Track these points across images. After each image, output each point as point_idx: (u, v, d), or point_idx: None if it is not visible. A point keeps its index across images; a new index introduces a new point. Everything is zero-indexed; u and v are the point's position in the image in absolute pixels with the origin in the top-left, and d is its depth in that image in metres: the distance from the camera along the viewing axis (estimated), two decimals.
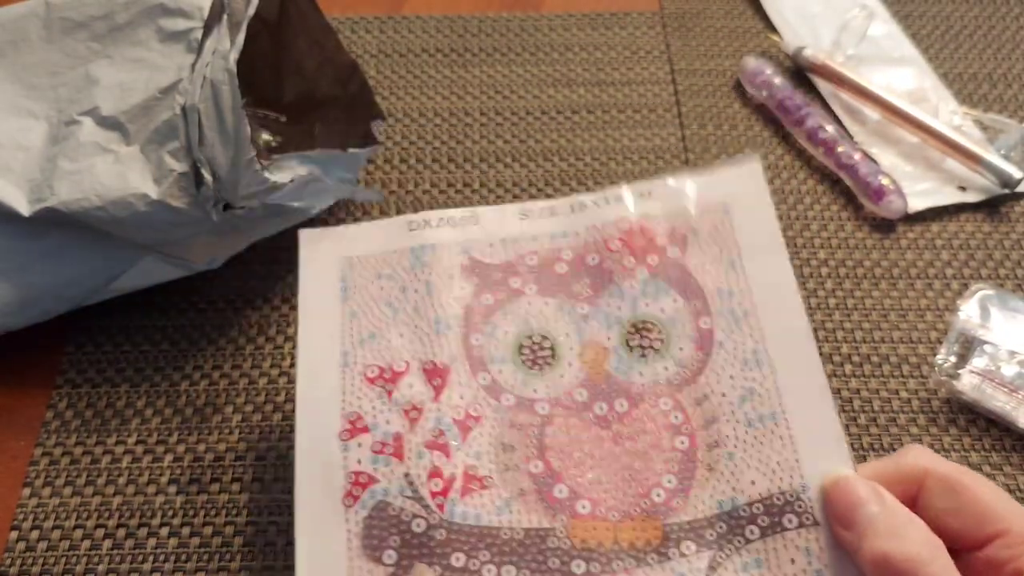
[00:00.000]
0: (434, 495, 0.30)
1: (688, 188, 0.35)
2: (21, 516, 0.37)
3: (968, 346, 0.40)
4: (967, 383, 0.39)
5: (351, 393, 0.32)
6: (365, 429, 0.31)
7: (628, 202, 0.35)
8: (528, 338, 0.33)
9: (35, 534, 0.36)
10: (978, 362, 0.39)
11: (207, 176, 0.35)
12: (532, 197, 0.48)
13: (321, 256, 0.35)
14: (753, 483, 0.30)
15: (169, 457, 0.39)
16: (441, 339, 0.33)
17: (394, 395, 0.32)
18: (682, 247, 0.34)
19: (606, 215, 0.35)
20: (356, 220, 0.47)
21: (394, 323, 0.33)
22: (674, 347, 0.33)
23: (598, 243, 0.35)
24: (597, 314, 0.34)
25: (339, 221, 0.47)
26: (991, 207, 0.48)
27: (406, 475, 0.30)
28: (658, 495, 0.30)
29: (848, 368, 0.42)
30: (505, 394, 0.32)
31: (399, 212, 0.47)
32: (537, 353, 0.33)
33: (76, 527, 0.37)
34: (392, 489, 0.30)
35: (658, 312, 0.33)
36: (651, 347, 0.33)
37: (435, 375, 0.32)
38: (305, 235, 0.35)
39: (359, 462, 0.30)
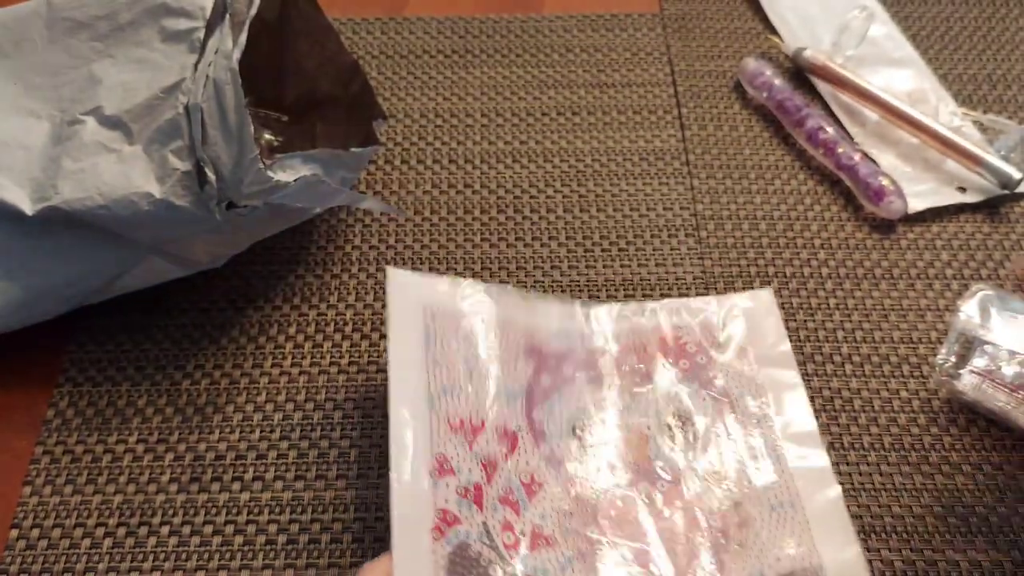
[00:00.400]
0: (507, 547, 0.33)
1: (712, 309, 0.42)
2: (22, 514, 0.37)
3: (968, 346, 0.40)
4: (967, 383, 0.39)
5: (438, 435, 0.35)
6: (452, 471, 0.34)
7: (662, 316, 0.41)
8: (580, 421, 0.38)
9: (36, 532, 0.36)
10: (978, 362, 0.40)
11: (210, 175, 0.35)
12: (532, 198, 0.48)
13: (407, 300, 0.38)
14: (779, 560, 0.35)
15: (170, 456, 0.39)
16: (510, 409, 0.37)
17: (474, 447, 0.35)
18: (708, 357, 0.40)
19: (644, 324, 0.41)
20: (359, 220, 0.47)
21: (469, 382, 0.37)
22: (705, 439, 0.38)
23: (637, 346, 0.40)
24: (637, 406, 0.39)
25: (340, 221, 0.47)
26: (991, 208, 0.48)
27: (484, 523, 0.33)
28: (701, 570, 0.34)
29: (848, 368, 0.42)
30: (563, 467, 0.36)
31: (401, 208, 0.47)
32: (587, 435, 0.37)
33: (77, 525, 0.37)
34: (473, 533, 0.33)
35: (690, 407, 0.39)
36: (685, 438, 0.38)
37: (505, 438, 0.36)
38: (392, 275, 0.38)
39: (447, 501, 0.33)
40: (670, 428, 0.38)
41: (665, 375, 0.39)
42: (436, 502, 0.33)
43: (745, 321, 0.41)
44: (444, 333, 0.37)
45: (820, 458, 0.37)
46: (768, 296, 0.42)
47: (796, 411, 0.39)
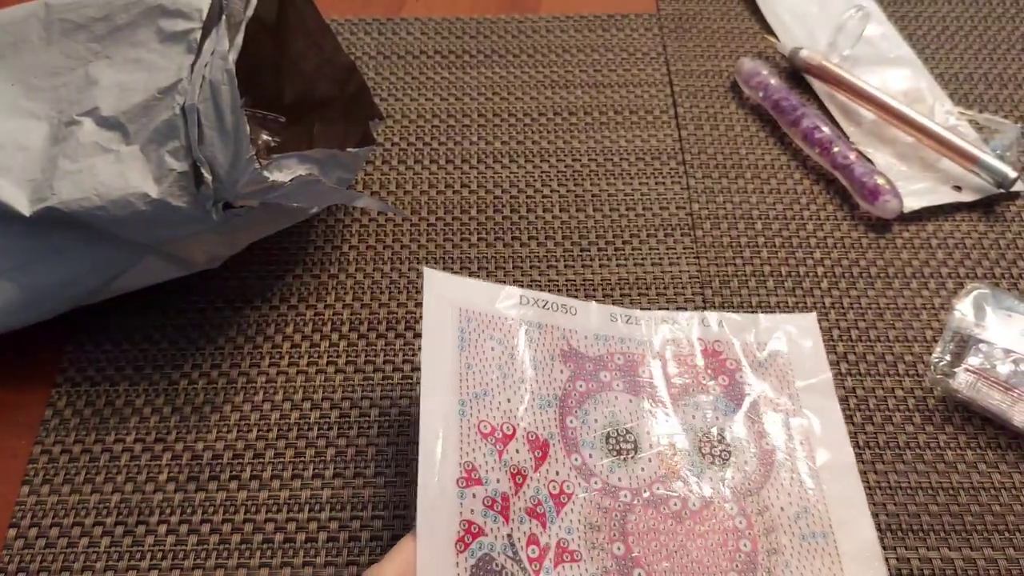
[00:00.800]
0: (531, 560, 0.33)
1: (754, 325, 0.41)
2: (19, 514, 0.37)
3: (963, 344, 0.40)
4: (962, 381, 0.40)
5: (467, 443, 0.34)
6: (479, 481, 0.33)
7: (704, 325, 0.41)
8: (615, 429, 0.37)
9: (33, 532, 0.37)
10: (973, 360, 0.40)
11: (207, 175, 0.35)
12: (529, 198, 0.48)
13: (442, 302, 0.37)
14: None
15: (168, 455, 0.39)
16: (543, 415, 0.36)
17: (504, 456, 0.34)
18: (749, 374, 0.39)
19: (686, 334, 0.40)
20: (356, 220, 0.47)
21: (503, 388, 0.36)
22: (740, 460, 0.37)
23: (678, 357, 0.40)
24: (674, 419, 0.38)
25: (337, 221, 0.47)
26: (986, 207, 0.48)
27: (509, 536, 0.33)
28: None
29: (844, 367, 0.42)
30: (594, 478, 0.36)
31: (398, 207, 0.47)
32: (621, 444, 0.37)
33: (74, 525, 0.37)
34: (497, 546, 0.32)
35: (727, 427, 0.38)
36: (720, 456, 0.37)
37: (536, 447, 0.35)
38: (429, 276, 0.37)
39: (472, 512, 0.33)
40: (705, 445, 0.37)
41: (704, 389, 0.39)
42: (462, 513, 0.32)
43: (787, 343, 0.40)
44: (479, 336, 0.37)
45: (856, 492, 0.36)
46: (811, 321, 0.41)
47: (834, 441, 0.38)
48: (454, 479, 0.33)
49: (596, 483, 0.35)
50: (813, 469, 0.37)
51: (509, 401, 0.36)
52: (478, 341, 0.37)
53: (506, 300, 0.38)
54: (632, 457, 0.36)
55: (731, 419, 0.38)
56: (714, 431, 0.37)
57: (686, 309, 0.44)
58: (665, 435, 0.37)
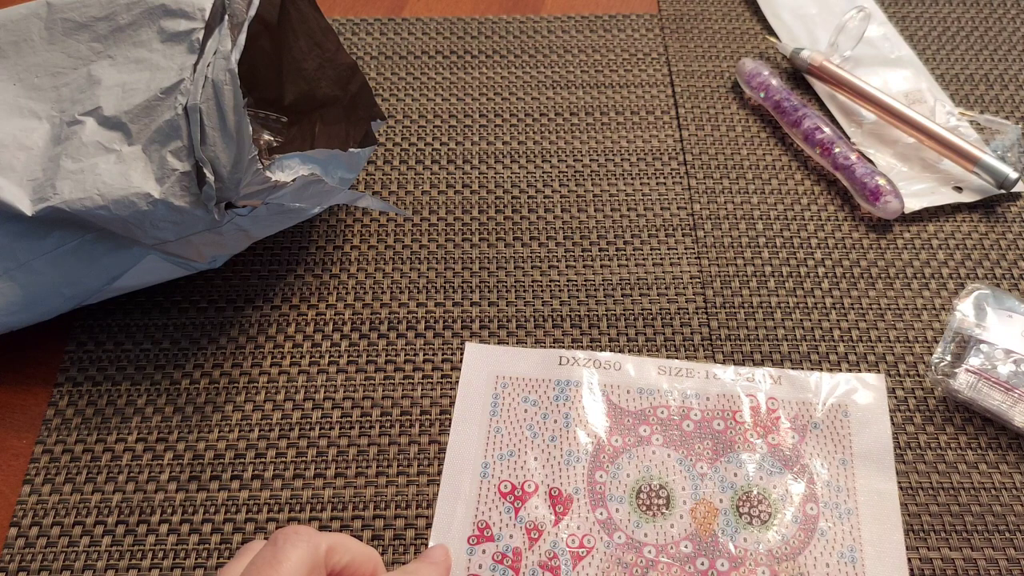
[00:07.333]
0: None
1: (816, 384, 0.40)
2: (21, 513, 0.37)
3: (964, 345, 0.40)
4: (963, 382, 0.40)
5: (484, 503, 0.36)
6: (491, 538, 0.34)
7: (760, 382, 0.40)
8: (647, 484, 0.37)
9: (34, 531, 0.37)
10: (974, 361, 0.40)
11: (209, 175, 0.35)
12: (531, 198, 0.48)
13: (480, 371, 0.40)
14: None
15: (169, 455, 0.39)
16: (570, 470, 0.37)
17: (520, 513, 0.35)
18: (801, 435, 0.38)
19: (738, 389, 0.40)
20: (357, 220, 0.47)
21: (532, 446, 0.37)
22: (780, 523, 0.36)
23: (726, 412, 0.39)
24: (714, 475, 0.37)
25: (339, 221, 0.47)
26: (987, 207, 0.48)
27: None
28: None
29: (844, 367, 0.42)
30: (618, 532, 0.36)
31: (400, 206, 0.47)
32: (653, 500, 0.36)
33: (75, 524, 0.37)
34: None
35: (770, 488, 0.37)
36: (759, 517, 0.36)
37: (559, 502, 0.36)
38: (470, 349, 0.41)
39: (480, 567, 0.34)
40: (744, 504, 0.36)
41: (749, 448, 0.38)
42: (469, 567, 0.34)
43: (849, 404, 0.39)
44: (512, 400, 0.39)
45: (901, 573, 0.35)
46: (879, 381, 0.40)
47: (884, 514, 0.36)
48: (465, 537, 0.35)
49: (620, 537, 0.35)
50: (856, 542, 0.35)
51: (536, 459, 0.37)
52: (511, 404, 0.38)
53: (546, 362, 0.40)
54: (663, 513, 0.36)
55: (776, 479, 0.37)
56: (755, 491, 0.36)
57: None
58: (701, 491, 0.36)
